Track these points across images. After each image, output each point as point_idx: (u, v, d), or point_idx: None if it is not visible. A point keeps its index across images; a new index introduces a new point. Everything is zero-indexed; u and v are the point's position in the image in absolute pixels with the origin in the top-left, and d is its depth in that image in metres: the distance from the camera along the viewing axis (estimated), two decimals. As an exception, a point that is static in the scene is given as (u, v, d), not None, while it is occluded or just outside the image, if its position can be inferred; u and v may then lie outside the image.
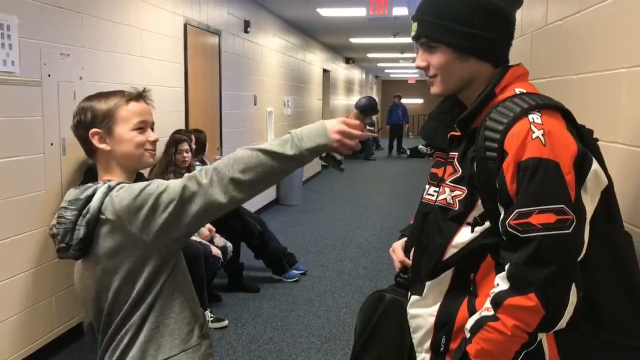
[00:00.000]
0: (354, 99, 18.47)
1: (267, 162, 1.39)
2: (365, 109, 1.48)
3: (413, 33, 1.43)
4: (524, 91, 1.35)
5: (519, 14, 3.31)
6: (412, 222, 1.70)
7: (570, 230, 1.20)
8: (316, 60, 12.09)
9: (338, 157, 1.49)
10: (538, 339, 1.27)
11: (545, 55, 2.59)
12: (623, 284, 1.33)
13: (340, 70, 15.80)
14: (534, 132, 1.24)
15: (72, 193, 1.47)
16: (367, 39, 11.60)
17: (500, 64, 1.41)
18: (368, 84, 22.42)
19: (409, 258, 1.63)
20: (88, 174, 3.67)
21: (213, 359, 1.60)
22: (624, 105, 1.70)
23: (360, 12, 8.06)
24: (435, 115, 1.55)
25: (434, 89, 1.44)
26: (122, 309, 1.47)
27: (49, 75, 3.45)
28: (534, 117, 1.26)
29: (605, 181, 1.31)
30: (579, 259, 1.23)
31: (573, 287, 1.21)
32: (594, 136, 1.41)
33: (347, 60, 16.27)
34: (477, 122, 1.35)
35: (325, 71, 13.21)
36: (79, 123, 1.51)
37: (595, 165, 1.27)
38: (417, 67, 1.46)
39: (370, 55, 15.36)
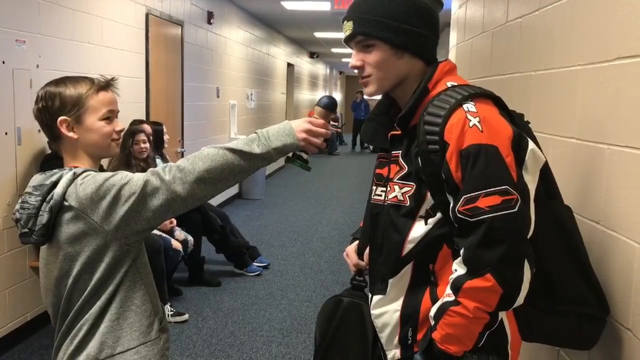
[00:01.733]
0: (319, 93, 18.51)
1: (233, 160, 1.41)
2: (329, 107, 1.54)
3: (348, 32, 1.45)
4: (455, 84, 1.41)
5: (480, 11, 3.37)
6: (361, 224, 1.73)
7: (516, 209, 1.26)
8: (280, 54, 12.04)
9: (305, 156, 1.53)
10: (499, 319, 1.31)
11: (505, 52, 2.63)
12: (570, 256, 1.42)
13: (305, 65, 15.77)
14: (470, 121, 1.30)
15: (37, 179, 1.47)
16: (332, 33, 11.60)
17: (431, 61, 1.47)
18: (332, 79, 22.44)
19: (362, 260, 1.66)
20: (45, 164, 3.58)
21: (169, 353, 1.60)
22: (579, 102, 1.75)
23: (324, 6, 8.06)
24: (374, 117, 1.60)
25: (369, 89, 1.48)
26: (80, 297, 1.47)
27: (4, 62, 3.35)
28: (469, 106, 1.32)
29: (543, 158, 1.38)
30: (528, 236, 1.29)
31: (526, 263, 1.27)
32: (530, 122, 1.49)
33: (312, 55, 16.25)
34: (416, 119, 1.40)
35: (289, 65, 13.17)
36: (45, 109, 1.48)
37: (531, 144, 1.34)
38: (352, 67, 1.48)
39: (334, 50, 15.38)
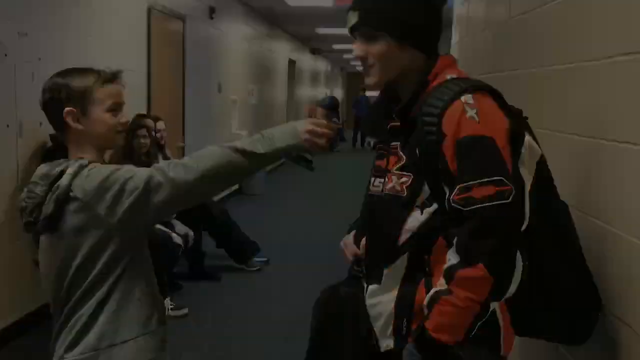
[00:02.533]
0: (320, 90, 18.51)
1: (237, 159, 1.43)
2: (331, 107, 1.59)
3: (353, 22, 1.46)
4: (455, 76, 1.42)
5: (482, 7, 3.36)
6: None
7: (509, 200, 1.26)
8: (282, 50, 12.04)
9: (308, 157, 1.55)
10: (491, 310, 1.32)
11: (507, 49, 2.63)
12: (565, 252, 1.42)
13: (306, 61, 15.77)
14: (467, 112, 1.31)
15: (43, 169, 1.48)
16: (334, 29, 11.59)
17: (432, 54, 1.48)
18: (334, 75, 22.43)
19: (359, 249, 1.67)
20: (46, 158, 3.58)
21: (167, 345, 1.61)
22: (581, 98, 1.75)
23: (327, 1, 8.05)
24: (374, 109, 1.62)
25: (371, 79, 1.48)
26: (81, 287, 1.48)
27: (6, 55, 3.34)
28: (467, 98, 1.33)
29: (540, 152, 1.39)
30: (522, 229, 1.29)
31: (518, 254, 1.27)
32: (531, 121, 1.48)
33: (313, 51, 16.24)
34: (415, 110, 1.41)
35: (291, 61, 13.16)
36: (51, 100, 1.50)
37: (528, 137, 1.36)
38: (357, 57, 1.49)
39: (336, 46, 15.37)
